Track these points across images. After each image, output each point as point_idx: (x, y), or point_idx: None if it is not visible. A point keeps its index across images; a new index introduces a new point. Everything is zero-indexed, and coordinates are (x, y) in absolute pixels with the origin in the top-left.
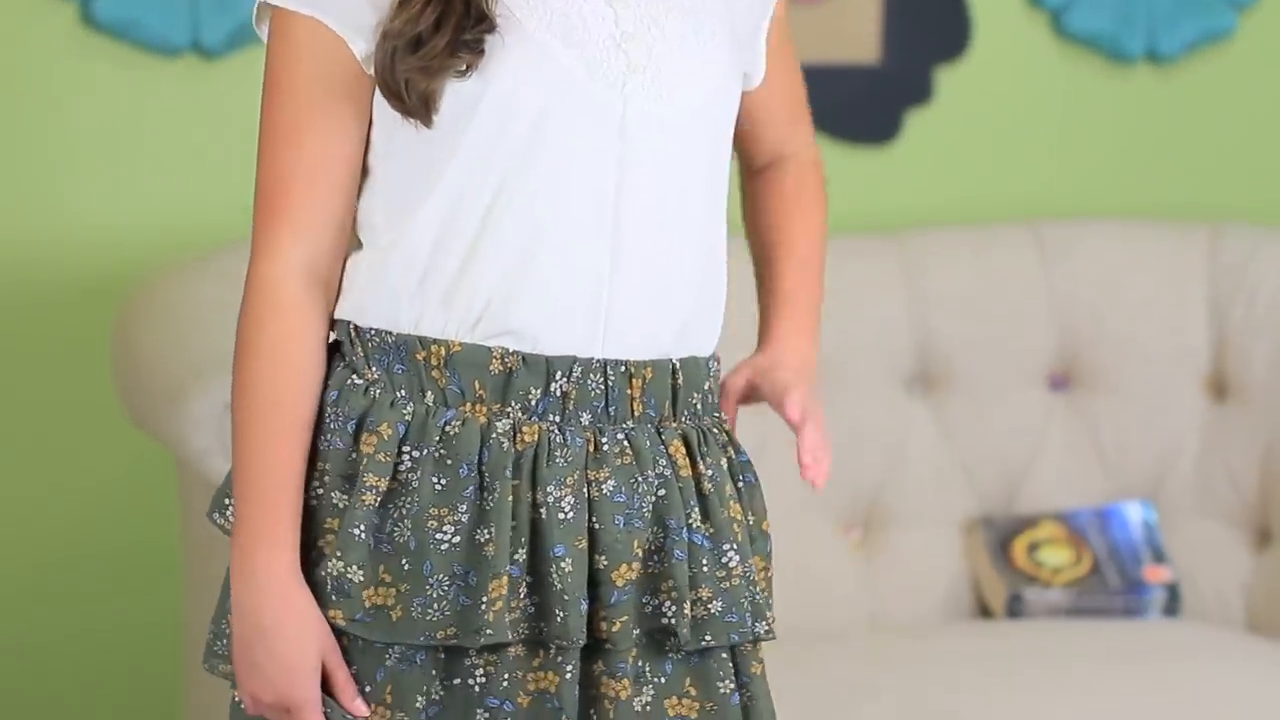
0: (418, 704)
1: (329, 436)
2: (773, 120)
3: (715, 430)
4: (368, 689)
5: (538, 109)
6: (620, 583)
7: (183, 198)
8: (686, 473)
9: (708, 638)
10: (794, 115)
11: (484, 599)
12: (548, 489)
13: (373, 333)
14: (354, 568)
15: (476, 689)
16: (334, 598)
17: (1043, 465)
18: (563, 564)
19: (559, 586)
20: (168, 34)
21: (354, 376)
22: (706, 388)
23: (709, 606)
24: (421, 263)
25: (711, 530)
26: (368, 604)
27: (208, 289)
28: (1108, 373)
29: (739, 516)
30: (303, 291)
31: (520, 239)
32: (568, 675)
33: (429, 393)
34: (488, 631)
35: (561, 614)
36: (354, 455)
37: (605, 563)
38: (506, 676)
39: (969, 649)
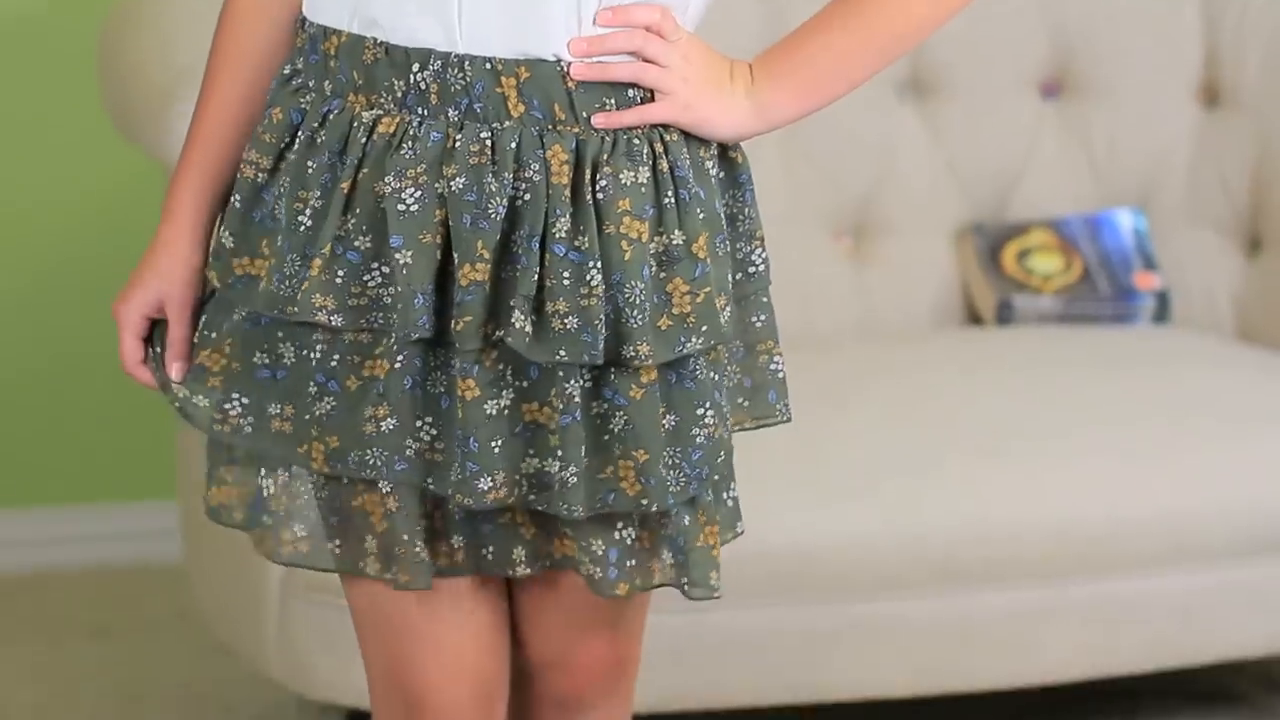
0: (255, 359)
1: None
2: None
3: (639, 140)
4: (212, 335)
5: None
6: (464, 282)
7: None
8: (561, 180)
9: (561, 353)
10: None
11: (307, 274)
12: (387, 179)
13: (304, 22)
14: (227, 234)
15: (313, 362)
16: (211, 260)
17: (1034, 172)
18: (399, 255)
19: (395, 277)
20: None
21: (288, 66)
22: (631, 94)
23: (565, 321)
24: None
25: (583, 244)
26: (239, 272)
27: None
28: (1100, 80)
29: (636, 234)
30: None
31: None
32: (397, 365)
33: (327, 81)
34: (292, 309)
35: (400, 305)
36: None
37: (456, 260)
38: (337, 357)
39: (958, 355)
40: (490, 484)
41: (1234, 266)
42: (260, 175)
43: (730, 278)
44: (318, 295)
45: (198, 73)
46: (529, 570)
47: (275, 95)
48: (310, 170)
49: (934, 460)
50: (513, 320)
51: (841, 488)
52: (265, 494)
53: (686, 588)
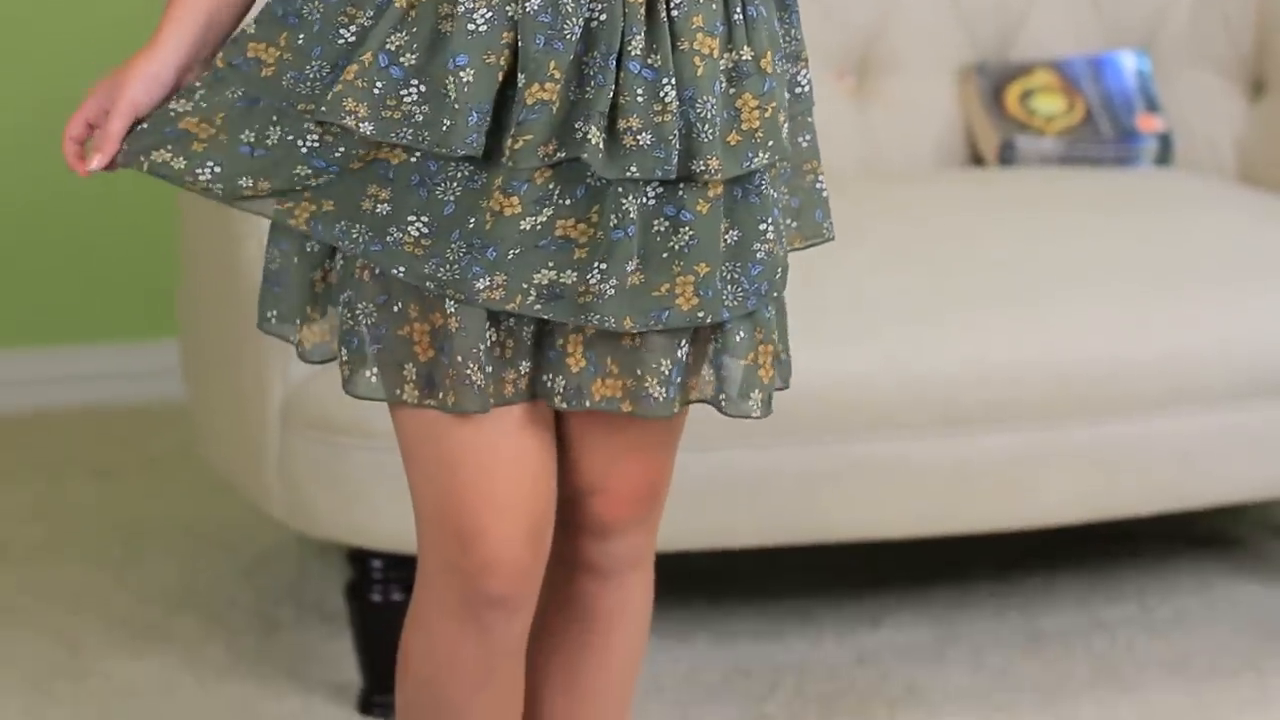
0: (242, 136)
1: None
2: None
3: None
4: (204, 105)
5: None
6: (530, 101)
7: None
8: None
9: (632, 169)
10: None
11: (340, 78)
12: (462, 1)
13: None
14: (251, 24)
15: (303, 149)
16: (227, 45)
17: (1038, 12)
18: (463, 73)
19: (453, 95)
20: None
21: None
22: None
23: (638, 138)
24: None
25: (656, 62)
26: (250, 54)
27: None
28: None
29: (709, 50)
30: None
31: None
32: (413, 159)
33: None
34: (321, 109)
35: (449, 122)
36: None
37: (522, 80)
38: (341, 149)
39: (960, 196)
40: (487, 284)
41: (1237, 109)
42: None
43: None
44: (350, 100)
45: None
46: (579, 405)
47: None
48: None
49: (935, 301)
50: (587, 136)
51: (842, 328)
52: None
53: (723, 403)
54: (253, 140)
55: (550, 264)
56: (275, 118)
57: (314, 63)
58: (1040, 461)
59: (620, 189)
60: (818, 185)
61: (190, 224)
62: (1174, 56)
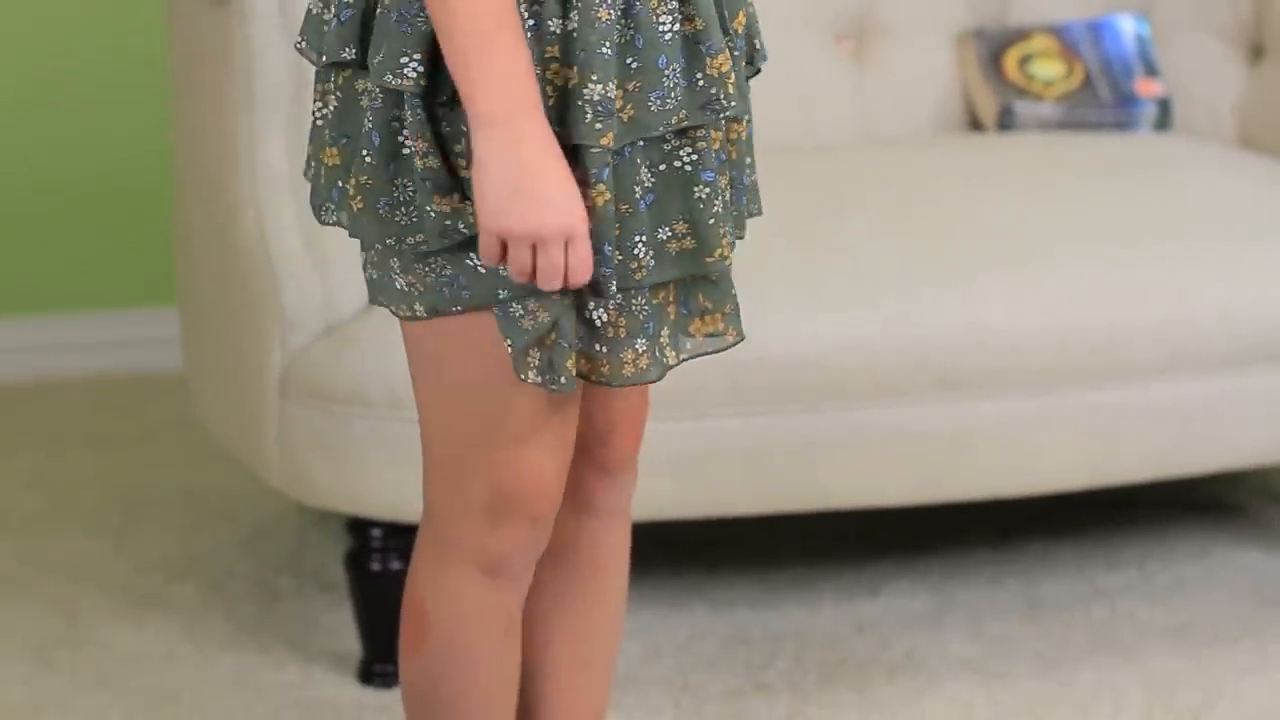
0: (635, 193)
1: None
2: None
3: None
4: (592, 178)
5: None
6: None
7: None
8: None
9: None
10: None
11: (714, 80)
12: None
13: None
14: (609, 85)
15: (689, 168)
16: (598, 126)
17: None
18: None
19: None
20: None
21: None
22: None
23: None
24: None
25: None
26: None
27: None
28: None
29: None
30: None
31: None
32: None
33: None
34: (717, 108)
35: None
36: None
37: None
38: (708, 147)
39: (958, 160)
40: (721, 246)
41: (1236, 74)
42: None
43: None
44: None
45: None
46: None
47: None
48: None
49: (933, 267)
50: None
51: (840, 294)
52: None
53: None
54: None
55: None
56: (639, 160)
57: (667, 70)
58: (1039, 428)
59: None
60: None
61: (186, 193)
62: (1173, 20)
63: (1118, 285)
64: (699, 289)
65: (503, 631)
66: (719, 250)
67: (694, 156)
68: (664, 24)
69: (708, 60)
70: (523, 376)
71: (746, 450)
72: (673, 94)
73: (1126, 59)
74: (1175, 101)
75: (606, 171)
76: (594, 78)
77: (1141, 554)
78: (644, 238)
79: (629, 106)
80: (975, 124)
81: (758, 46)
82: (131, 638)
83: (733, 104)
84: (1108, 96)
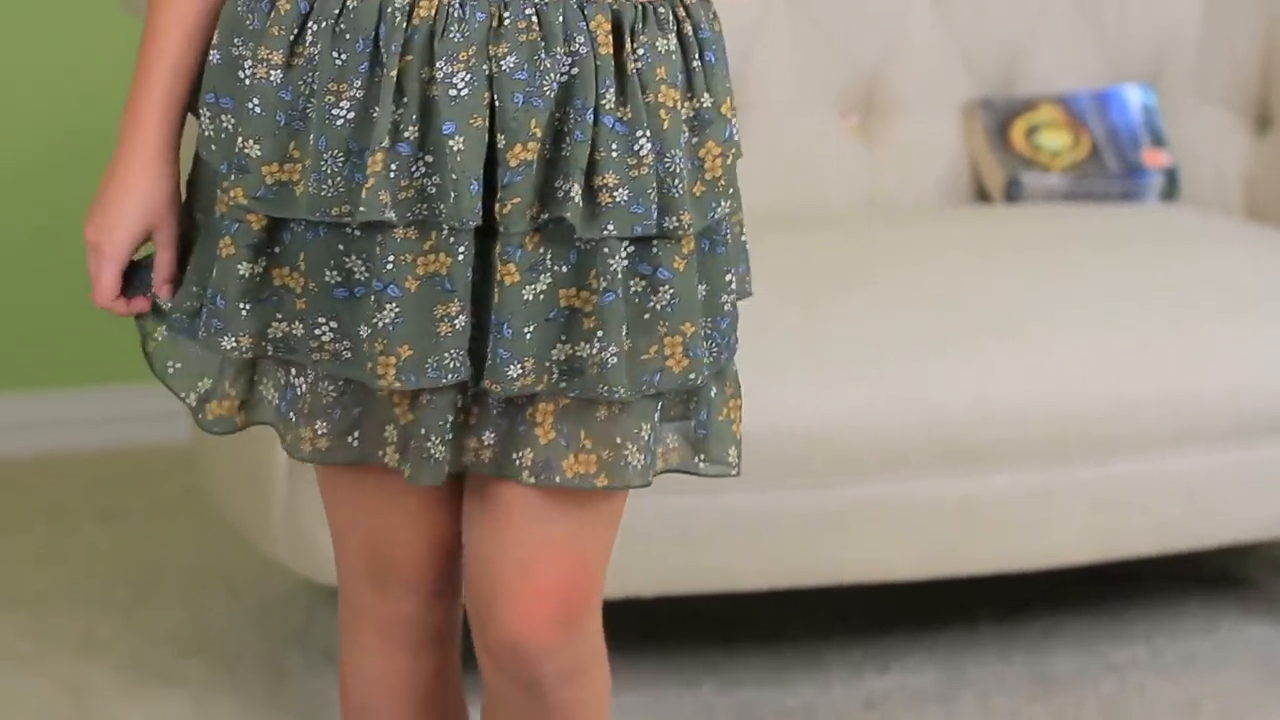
0: (327, 278)
1: (250, 14)
2: None
3: (664, 7)
4: (277, 250)
5: None
6: (514, 163)
7: None
8: (607, 51)
9: (609, 227)
10: None
11: (364, 174)
12: (439, 65)
13: None
14: (250, 143)
15: (359, 275)
16: (233, 176)
17: (1043, 47)
18: (452, 142)
19: (448, 165)
20: None
21: None
22: None
23: (614, 194)
24: None
25: (628, 115)
26: (269, 180)
27: None
28: None
29: (672, 102)
30: None
31: None
32: (459, 257)
33: None
34: (360, 209)
35: (454, 193)
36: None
37: (503, 142)
38: (391, 259)
39: (966, 233)
40: (519, 370)
41: (1243, 144)
42: (273, 74)
43: None
44: (383, 192)
45: None
46: (537, 479)
47: None
48: (340, 62)
49: (940, 340)
50: (571, 195)
51: (848, 367)
52: (297, 392)
53: (702, 464)
54: (332, 277)
55: (563, 337)
56: (340, 246)
57: (326, 155)
58: (1046, 500)
59: (606, 249)
60: (742, 238)
61: None
62: (1179, 90)
63: (1125, 357)
64: (580, 419)
65: (410, 700)
66: (370, 365)
67: (363, 261)
68: (340, 109)
69: (368, 156)
70: (380, 454)
71: (754, 524)
72: (330, 181)
73: (1133, 129)
74: (1182, 171)
75: (287, 236)
76: (253, 140)
77: (1150, 628)
78: (320, 320)
79: (302, 182)
80: (982, 194)
81: (569, 195)
82: (140, 715)
83: (387, 214)
84: (1115, 167)
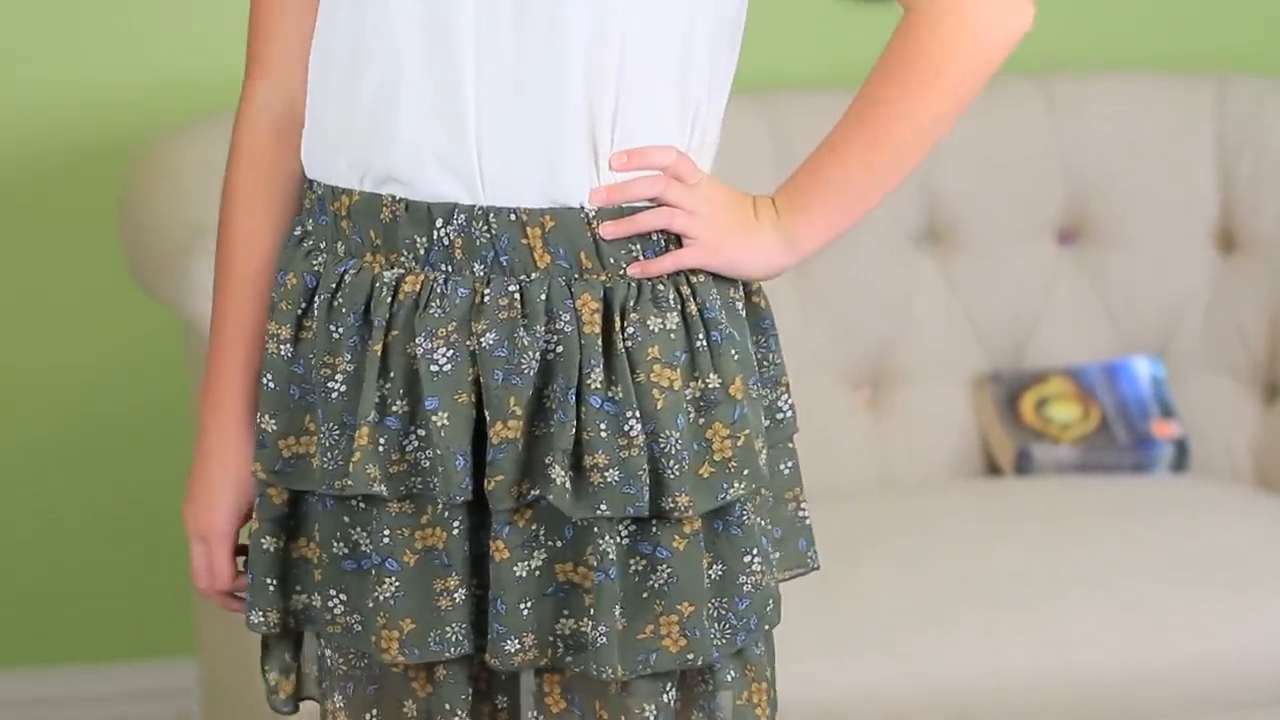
0: (335, 549)
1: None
2: None
3: (664, 286)
4: (296, 522)
5: None
6: (497, 440)
7: (190, 57)
8: (593, 330)
9: (602, 507)
10: None
11: (355, 444)
12: (419, 340)
13: (310, 183)
14: (266, 418)
15: (363, 545)
16: (254, 451)
17: (1051, 320)
18: (435, 418)
19: (433, 440)
20: None
21: (298, 228)
22: (656, 239)
23: (605, 475)
24: (317, 110)
25: (617, 394)
26: (286, 454)
27: (212, 149)
28: (1116, 227)
29: (667, 382)
30: (270, 134)
31: (381, 77)
32: (454, 531)
33: (340, 243)
34: (347, 482)
35: (441, 468)
36: None
37: (488, 418)
38: (387, 533)
39: (977, 506)
40: (517, 646)
41: (1252, 414)
42: (283, 348)
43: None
44: (371, 466)
45: (216, 225)
46: None
47: (288, 259)
48: (336, 335)
49: (951, 612)
50: (552, 477)
51: (858, 639)
52: (326, 664)
53: None
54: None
55: (566, 612)
56: (345, 518)
57: (324, 428)
58: None
59: (598, 529)
60: (800, 514)
61: None
62: (1188, 362)
63: (1136, 628)
64: (593, 691)
65: None
66: (375, 639)
67: (366, 534)
68: (335, 382)
69: (356, 430)
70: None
71: None
72: (330, 454)
73: (1142, 401)
74: (1192, 441)
75: (304, 507)
76: (269, 415)
77: None
78: (332, 592)
79: (318, 455)
80: (993, 467)
81: (551, 476)
82: None
83: (376, 488)
84: (1124, 439)
